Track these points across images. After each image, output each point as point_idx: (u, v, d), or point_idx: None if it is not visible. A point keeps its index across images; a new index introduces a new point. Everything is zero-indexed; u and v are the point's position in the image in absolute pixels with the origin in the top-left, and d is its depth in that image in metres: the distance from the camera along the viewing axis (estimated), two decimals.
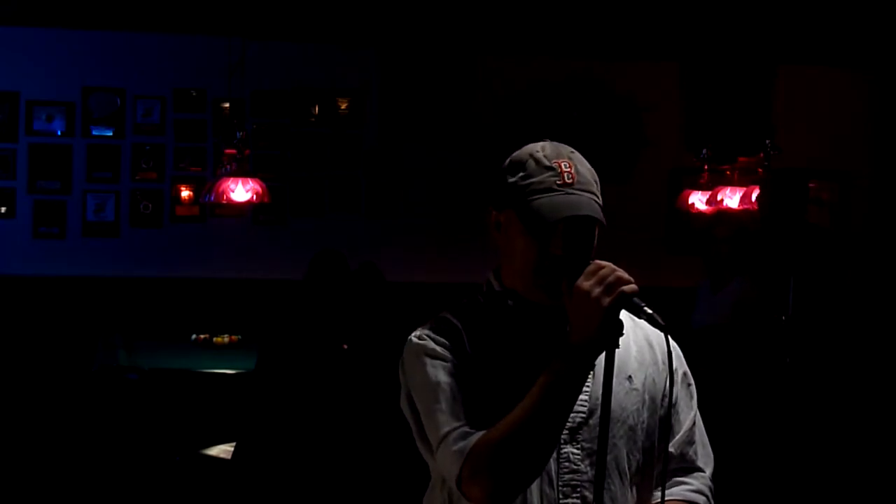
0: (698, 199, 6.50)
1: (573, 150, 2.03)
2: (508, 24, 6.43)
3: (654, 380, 2.07)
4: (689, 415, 2.12)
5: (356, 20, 6.40)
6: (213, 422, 4.95)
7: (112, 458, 5.26)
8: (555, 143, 2.03)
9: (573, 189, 1.95)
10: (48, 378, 6.31)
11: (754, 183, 5.78)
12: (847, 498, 4.89)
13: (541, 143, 2.03)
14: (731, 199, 6.07)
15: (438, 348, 1.98)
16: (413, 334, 2.04)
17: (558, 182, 1.95)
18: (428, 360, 1.97)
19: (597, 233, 1.99)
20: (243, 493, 4.71)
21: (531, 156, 1.99)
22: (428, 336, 2.00)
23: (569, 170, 1.96)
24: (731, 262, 5.37)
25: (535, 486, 1.94)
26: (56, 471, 5.52)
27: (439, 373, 1.95)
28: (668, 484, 2.08)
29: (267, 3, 6.03)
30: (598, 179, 2.02)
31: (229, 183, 5.49)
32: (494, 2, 6.01)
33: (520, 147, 2.07)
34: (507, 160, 2.04)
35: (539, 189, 1.95)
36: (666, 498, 2.05)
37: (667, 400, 2.07)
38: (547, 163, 1.97)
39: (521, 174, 1.98)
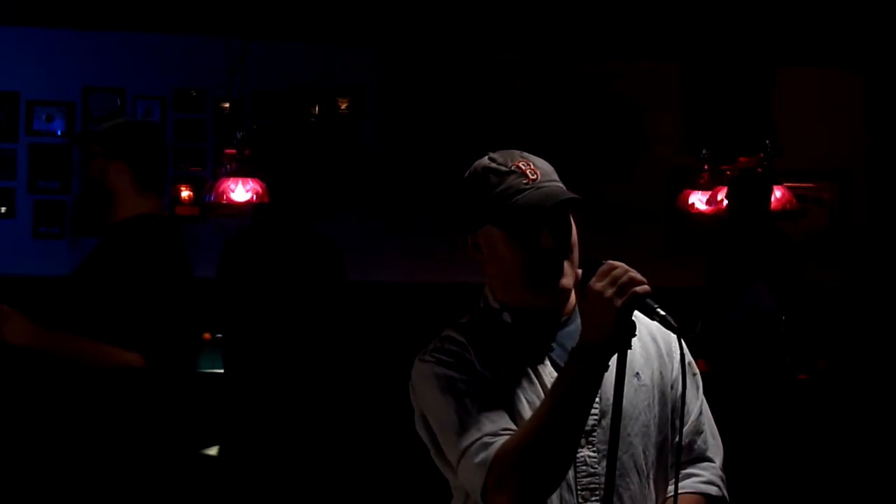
0: (698, 199, 6.50)
1: (521, 151, 2.06)
2: (508, 23, 6.43)
3: (661, 373, 2.09)
4: (695, 404, 2.13)
5: (356, 20, 6.40)
6: (213, 422, 4.93)
7: (112, 457, 5.25)
8: (501, 150, 2.07)
9: (541, 183, 1.99)
10: (48, 378, 6.29)
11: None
12: (850, 496, 4.89)
13: (487, 156, 2.07)
14: None
15: (446, 367, 1.99)
16: (419, 356, 2.05)
17: (525, 182, 1.98)
18: (438, 380, 1.98)
19: (572, 217, 2.03)
20: (235, 493, 4.71)
21: (486, 169, 2.03)
22: (435, 356, 2.02)
23: (529, 167, 2.00)
24: (743, 262, 5.34)
25: (554, 493, 1.95)
26: (56, 470, 5.52)
27: (451, 390, 1.96)
28: (679, 475, 2.09)
29: (267, 3, 6.04)
30: (554, 169, 2.05)
31: (229, 183, 5.49)
32: (495, 2, 6.01)
33: (516, 148, 2.09)
34: (463, 183, 2.07)
35: (511, 193, 1.98)
36: (679, 491, 2.06)
37: (675, 392, 2.09)
38: (505, 169, 2.00)
39: (484, 189, 2.01)
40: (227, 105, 6.77)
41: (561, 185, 2.01)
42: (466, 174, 2.07)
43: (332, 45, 6.98)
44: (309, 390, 4.71)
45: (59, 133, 6.75)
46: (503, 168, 2.00)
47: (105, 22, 6.55)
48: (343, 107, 7.10)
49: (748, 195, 5.51)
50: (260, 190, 5.75)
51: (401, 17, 6.34)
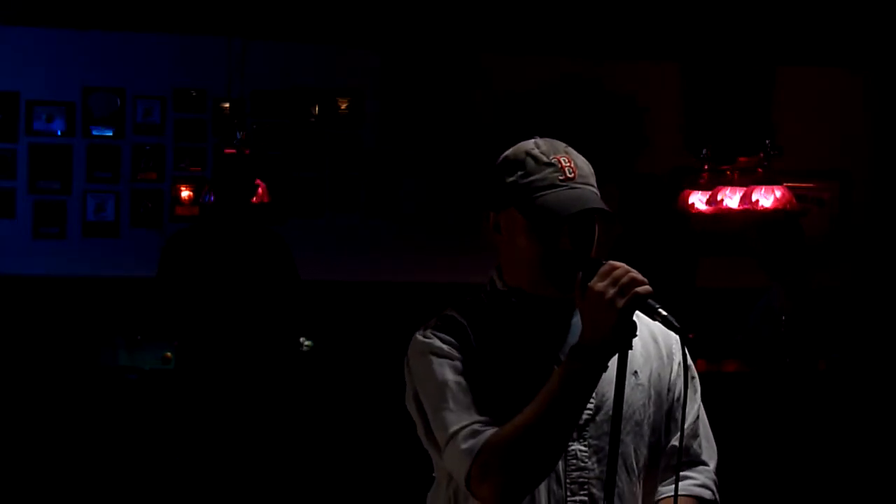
0: (698, 199, 6.49)
1: (567, 145, 2.04)
2: (508, 23, 6.43)
3: (659, 374, 2.08)
4: (692, 408, 2.12)
5: (356, 20, 6.40)
6: (213, 421, 4.93)
7: (112, 457, 5.26)
8: (547, 139, 2.04)
9: (576, 183, 1.96)
10: (48, 378, 6.30)
11: (756, 183, 5.78)
12: (850, 496, 4.89)
13: (533, 141, 2.04)
14: (731, 199, 6.06)
15: (445, 346, 1.97)
16: (417, 332, 2.03)
17: (560, 178, 1.96)
18: (434, 359, 1.97)
19: (597, 224, 2.01)
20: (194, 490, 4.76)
21: (528, 153, 2.00)
22: (433, 334, 2.00)
23: (569, 164, 1.97)
24: (768, 263, 5.33)
25: (542, 484, 1.95)
26: (56, 471, 5.52)
27: (446, 371, 1.95)
28: (672, 478, 2.09)
29: (267, 3, 6.03)
30: (593, 171, 2.03)
31: None
32: (495, 3, 6.02)
33: (510, 147, 2.08)
34: (502, 160, 2.04)
35: (543, 186, 1.95)
36: (672, 494, 2.06)
37: (672, 394, 2.09)
38: (546, 159, 1.98)
39: (520, 173, 1.99)
40: (227, 105, 6.77)
41: (595, 190, 1.99)
42: (508, 152, 2.04)
43: (332, 45, 6.97)
44: (261, 383, 4.77)
45: (59, 133, 6.75)
46: (543, 158, 1.98)
47: (105, 22, 6.55)
48: (343, 107, 7.10)
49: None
50: (260, 190, 5.75)
51: (401, 18, 6.34)
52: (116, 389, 5.24)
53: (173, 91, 6.88)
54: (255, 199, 5.70)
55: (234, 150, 5.71)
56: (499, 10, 6.12)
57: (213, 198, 5.02)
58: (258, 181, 5.73)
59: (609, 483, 1.88)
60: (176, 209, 6.88)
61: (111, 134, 6.82)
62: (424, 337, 2.01)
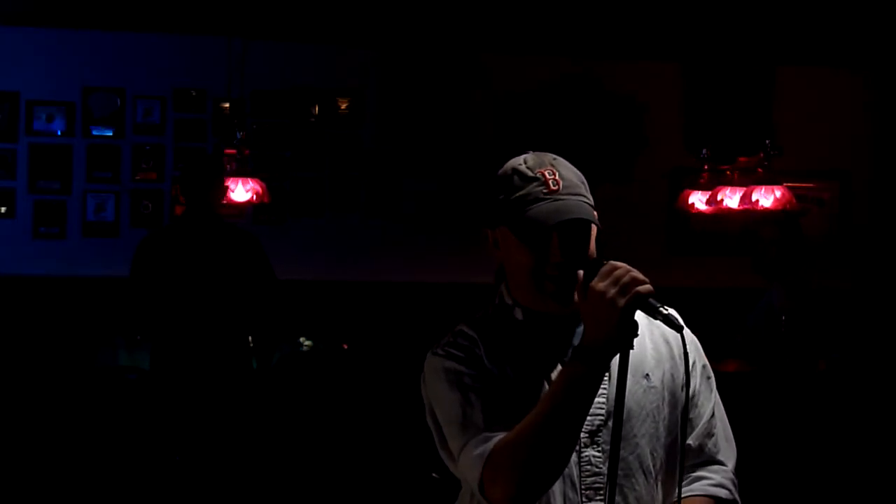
0: (698, 199, 6.50)
1: (556, 156, 2.05)
2: (508, 23, 6.43)
3: (672, 375, 2.08)
4: (707, 407, 2.12)
5: (356, 21, 6.40)
6: (214, 421, 4.94)
7: (112, 458, 5.26)
8: (537, 152, 2.06)
9: (560, 195, 1.97)
10: (48, 378, 6.30)
11: (756, 183, 5.78)
12: (850, 496, 4.89)
13: (523, 156, 2.06)
14: (731, 199, 6.06)
15: (456, 361, 2.00)
16: (432, 349, 2.07)
17: (545, 191, 1.97)
18: (447, 374, 2.00)
19: (593, 231, 2.01)
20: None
21: (515, 170, 2.02)
22: (446, 350, 2.03)
23: (553, 177, 1.99)
24: (763, 265, 5.33)
25: (558, 490, 1.97)
26: (56, 471, 5.52)
27: (458, 384, 1.98)
28: (689, 479, 2.09)
29: (267, 3, 6.03)
30: (584, 180, 2.04)
31: (229, 183, 5.50)
32: (494, 2, 6.01)
33: (516, 148, 2.09)
34: (494, 178, 2.07)
35: (527, 201, 1.97)
36: (687, 494, 2.06)
37: (685, 393, 2.07)
38: (531, 174, 2.00)
39: (508, 190, 2.01)
40: (227, 105, 6.77)
41: (582, 198, 1.99)
42: (499, 171, 2.07)
43: (332, 45, 6.97)
44: (234, 382, 4.79)
45: (59, 133, 6.75)
46: (528, 173, 2.00)
47: (105, 22, 6.55)
48: (343, 107, 7.10)
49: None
50: (260, 190, 5.76)
51: (400, 18, 6.34)
52: (116, 389, 5.24)
53: (173, 91, 6.88)
54: (253, 199, 5.71)
55: (234, 150, 5.72)
56: (499, 10, 6.12)
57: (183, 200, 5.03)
58: (257, 181, 5.74)
59: (611, 484, 1.89)
60: (176, 209, 6.88)
61: (111, 134, 6.82)
62: (437, 354, 2.04)
